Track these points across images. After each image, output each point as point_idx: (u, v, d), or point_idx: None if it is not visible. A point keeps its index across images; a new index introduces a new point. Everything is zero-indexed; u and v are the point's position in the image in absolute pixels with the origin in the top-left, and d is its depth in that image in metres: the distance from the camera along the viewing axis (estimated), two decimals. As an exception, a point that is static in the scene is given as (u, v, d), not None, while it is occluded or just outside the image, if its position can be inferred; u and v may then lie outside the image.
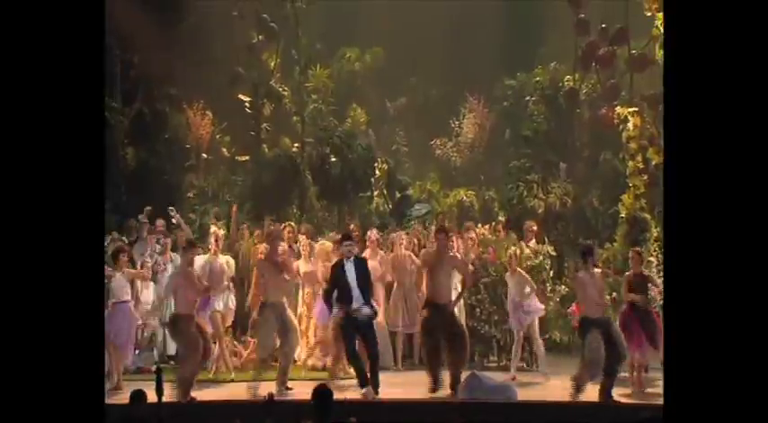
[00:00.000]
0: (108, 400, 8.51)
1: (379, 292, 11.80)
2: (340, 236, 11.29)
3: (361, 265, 10.25)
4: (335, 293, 10.20)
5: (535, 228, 12.88)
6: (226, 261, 11.74)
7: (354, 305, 10.02)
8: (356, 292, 10.04)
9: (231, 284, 11.85)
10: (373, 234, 12.58)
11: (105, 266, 10.69)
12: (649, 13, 13.50)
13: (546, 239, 13.20)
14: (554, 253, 12.78)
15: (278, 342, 10.57)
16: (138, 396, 7.44)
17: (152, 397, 7.47)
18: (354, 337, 10.08)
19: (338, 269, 10.18)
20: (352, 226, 13.71)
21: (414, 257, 11.92)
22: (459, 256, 11.08)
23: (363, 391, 9.87)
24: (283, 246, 11.51)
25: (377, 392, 9.87)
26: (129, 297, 11.08)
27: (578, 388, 9.53)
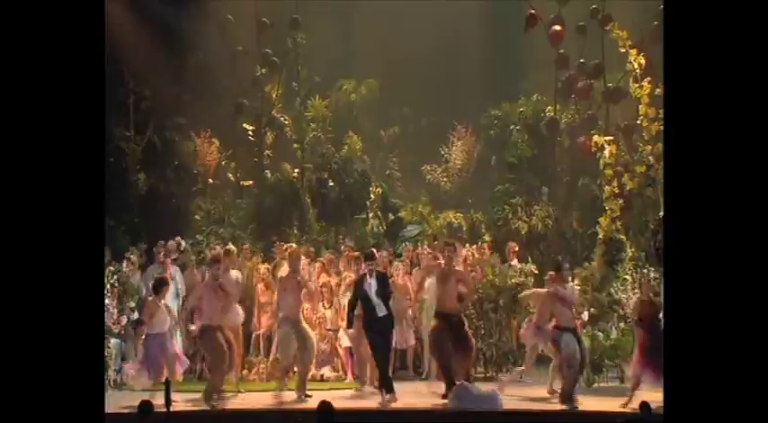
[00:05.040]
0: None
1: None
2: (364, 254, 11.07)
3: (381, 279, 10.31)
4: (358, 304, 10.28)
5: (517, 248, 13.02)
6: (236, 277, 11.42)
7: (376, 314, 10.12)
8: (376, 302, 10.12)
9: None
10: (368, 254, 12.63)
11: (150, 297, 10.51)
12: (623, 50, 13.61)
13: (529, 259, 13.24)
14: (536, 271, 12.81)
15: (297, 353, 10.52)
16: (146, 406, 7.35)
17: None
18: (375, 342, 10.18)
19: (361, 283, 10.26)
20: (342, 247, 13.74)
21: (409, 286, 12.03)
22: (461, 269, 11.10)
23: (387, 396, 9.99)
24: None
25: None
26: (166, 329, 10.38)
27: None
